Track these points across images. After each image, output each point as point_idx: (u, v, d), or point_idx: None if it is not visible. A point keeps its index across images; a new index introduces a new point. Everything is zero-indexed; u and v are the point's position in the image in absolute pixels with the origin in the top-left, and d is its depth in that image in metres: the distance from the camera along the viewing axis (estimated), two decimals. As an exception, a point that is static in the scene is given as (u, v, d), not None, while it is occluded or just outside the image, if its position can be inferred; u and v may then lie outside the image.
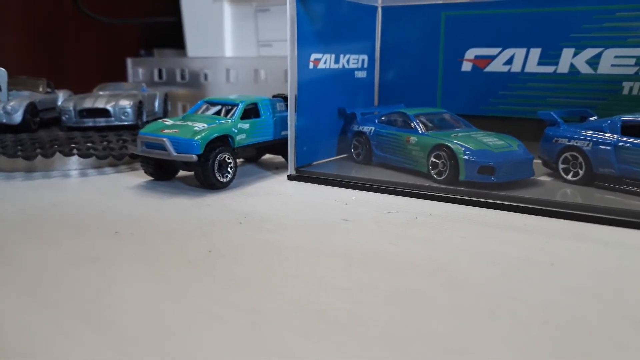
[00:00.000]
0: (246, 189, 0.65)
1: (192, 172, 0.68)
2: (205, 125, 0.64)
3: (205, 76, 1.13)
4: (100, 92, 0.85)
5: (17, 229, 0.50)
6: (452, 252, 0.44)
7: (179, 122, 0.66)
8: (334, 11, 0.74)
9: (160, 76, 1.19)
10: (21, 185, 0.67)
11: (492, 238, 0.47)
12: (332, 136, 0.77)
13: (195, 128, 0.63)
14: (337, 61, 0.75)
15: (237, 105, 0.69)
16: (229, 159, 0.64)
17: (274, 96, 0.76)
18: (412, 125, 0.67)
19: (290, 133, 0.69)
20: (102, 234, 0.49)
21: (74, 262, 0.42)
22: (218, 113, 0.71)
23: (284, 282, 0.38)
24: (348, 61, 0.77)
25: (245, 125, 0.68)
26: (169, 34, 1.42)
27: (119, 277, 0.39)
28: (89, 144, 0.74)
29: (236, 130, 0.66)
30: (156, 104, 0.92)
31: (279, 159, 0.81)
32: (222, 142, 0.64)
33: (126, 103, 0.80)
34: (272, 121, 0.72)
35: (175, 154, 0.61)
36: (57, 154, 0.71)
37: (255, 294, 0.36)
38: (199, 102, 0.72)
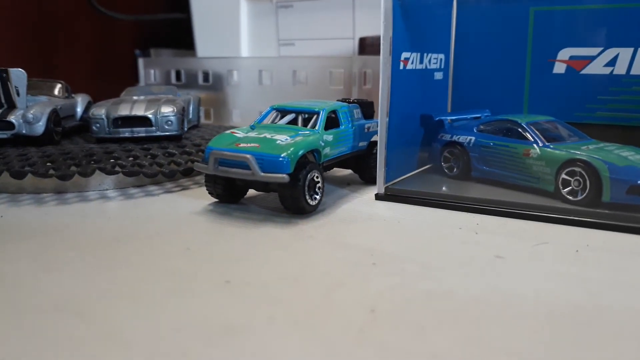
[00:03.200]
0: (336, 212, 0.54)
1: (268, 193, 0.58)
2: (288, 137, 0.53)
3: (232, 78, 1.01)
4: (134, 97, 0.73)
5: (89, 280, 0.38)
6: (677, 303, 0.35)
7: (252, 134, 0.55)
8: (419, 3, 0.64)
9: (178, 78, 1.06)
10: (58, 212, 0.55)
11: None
12: (415, 147, 0.67)
13: (278, 142, 0.52)
14: (421, 61, 0.65)
15: (317, 113, 0.58)
16: (317, 177, 0.54)
17: (341, 101, 0.66)
18: (529, 135, 0.57)
19: (381, 145, 0.58)
20: (209, 285, 0.37)
21: (200, 335, 0.31)
22: (292, 122, 0.60)
23: (510, 361, 0.28)
24: (430, 61, 0.68)
25: (329, 136, 0.57)
26: (164, 34, 1.29)
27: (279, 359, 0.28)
28: (132, 159, 0.62)
29: (323, 144, 0.56)
30: (190, 110, 0.81)
31: (341, 172, 0.71)
32: (305, 157, 0.54)
33: (169, 110, 0.68)
34: (351, 131, 0.61)
35: (261, 174, 0.50)
36: (97, 171, 0.59)
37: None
38: (267, 109, 0.61)
